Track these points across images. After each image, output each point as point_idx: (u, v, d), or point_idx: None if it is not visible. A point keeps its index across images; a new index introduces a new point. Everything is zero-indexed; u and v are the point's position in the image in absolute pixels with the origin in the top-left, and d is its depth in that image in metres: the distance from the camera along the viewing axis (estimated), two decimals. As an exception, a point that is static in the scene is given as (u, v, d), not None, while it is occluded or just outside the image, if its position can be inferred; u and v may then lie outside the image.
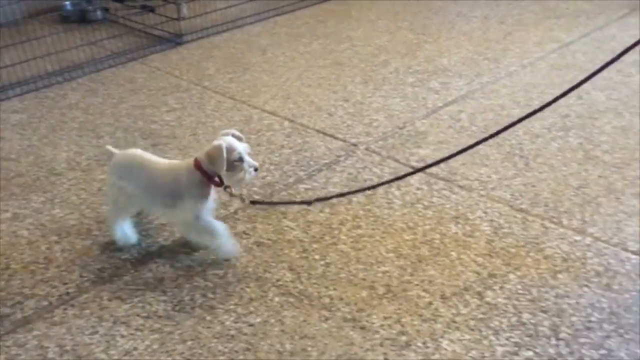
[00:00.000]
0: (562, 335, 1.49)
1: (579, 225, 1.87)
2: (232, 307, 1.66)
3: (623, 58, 2.96)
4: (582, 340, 1.47)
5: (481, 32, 3.47)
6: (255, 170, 1.74)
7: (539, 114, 2.53)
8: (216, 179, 1.75)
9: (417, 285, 1.70)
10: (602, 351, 1.44)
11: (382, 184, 2.12)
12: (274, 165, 2.33)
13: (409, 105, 2.72)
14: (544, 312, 1.57)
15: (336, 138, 2.50)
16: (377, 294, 1.67)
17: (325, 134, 2.55)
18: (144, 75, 3.19)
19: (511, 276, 1.70)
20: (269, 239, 1.92)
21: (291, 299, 1.67)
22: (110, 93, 3.00)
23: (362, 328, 1.56)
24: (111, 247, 1.91)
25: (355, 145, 2.44)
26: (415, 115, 2.63)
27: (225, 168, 1.67)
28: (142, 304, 1.69)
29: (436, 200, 2.07)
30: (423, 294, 1.66)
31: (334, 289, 1.70)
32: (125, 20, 3.90)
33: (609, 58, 3.03)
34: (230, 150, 1.68)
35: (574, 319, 1.53)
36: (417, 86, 2.90)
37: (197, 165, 1.72)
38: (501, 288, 1.66)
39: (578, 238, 1.82)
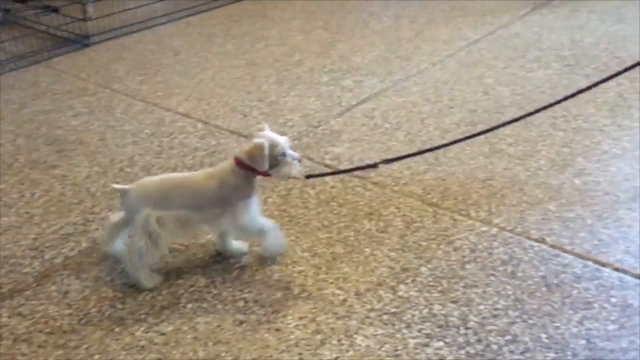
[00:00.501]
0: (470, 324, 1.53)
1: (485, 217, 1.94)
2: (142, 316, 1.60)
3: (525, 54, 3.12)
4: (489, 327, 1.52)
5: (393, 31, 3.54)
6: (299, 161, 1.69)
7: (448, 110, 2.63)
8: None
9: (332, 283, 1.70)
10: (508, 337, 1.49)
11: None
12: (187, 169, 2.27)
13: (323, 104, 2.73)
14: (454, 302, 1.61)
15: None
16: (293, 295, 1.67)
17: (239, 134, 2.51)
18: (48, 79, 3.04)
19: (423, 269, 1.74)
20: (181, 244, 1.87)
21: (205, 305, 1.64)
22: (10, 98, 2.84)
23: (277, 330, 1.55)
24: (10, 260, 1.81)
25: (270, 145, 2.42)
26: (330, 114, 2.64)
27: (267, 165, 1.62)
28: (45, 319, 1.60)
29: (350, 197, 2.08)
30: (338, 291, 1.67)
31: (249, 292, 1.68)
32: (27, 21, 3.71)
33: (513, 54, 3.16)
34: (272, 146, 1.62)
35: (481, 307, 1.58)
36: (332, 85, 2.91)
37: (240, 163, 1.65)
38: (413, 281, 1.69)
39: (485, 229, 1.88)
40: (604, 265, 1.70)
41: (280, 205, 2.05)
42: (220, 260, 1.80)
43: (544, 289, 1.63)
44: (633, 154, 2.21)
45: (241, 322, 1.57)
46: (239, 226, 1.69)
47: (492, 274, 1.70)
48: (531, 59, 3.04)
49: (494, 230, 1.88)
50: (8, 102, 2.78)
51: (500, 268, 1.72)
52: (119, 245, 1.77)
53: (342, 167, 2.24)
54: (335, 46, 3.37)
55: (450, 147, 2.32)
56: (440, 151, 2.31)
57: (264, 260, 1.80)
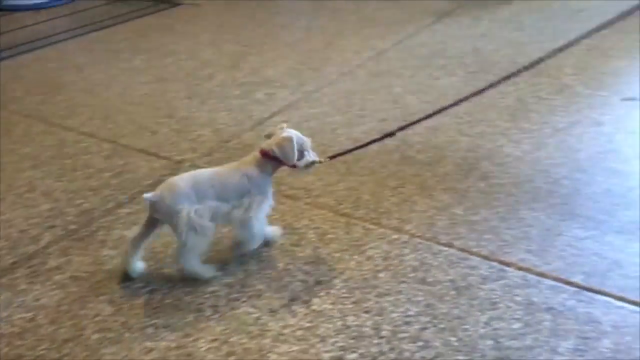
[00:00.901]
0: (383, 332, 1.54)
1: (397, 224, 1.96)
2: (42, 352, 1.51)
3: (431, 63, 3.21)
4: (402, 335, 1.53)
5: (304, 43, 3.55)
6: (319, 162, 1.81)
7: (358, 119, 2.66)
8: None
9: (245, 302, 1.67)
10: (420, 343, 1.51)
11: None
12: (91, 191, 2.18)
13: (235, 118, 2.70)
14: (367, 312, 1.61)
15: (160, 157, 2.40)
16: (204, 316, 1.62)
17: (148, 153, 2.44)
18: (-63, 102, 2.84)
19: (336, 281, 1.73)
20: (86, 272, 1.78)
21: (111, 334, 1.56)
22: None
23: (189, 355, 1.50)
24: None
25: (180, 162, 2.37)
26: (242, 128, 2.61)
27: (296, 157, 1.71)
28: None
29: (263, 212, 2.06)
30: (251, 310, 1.64)
31: (158, 317, 1.62)
32: None
33: (420, 63, 3.25)
34: (299, 141, 1.73)
35: (393, 315, 1.60)
36: (243, 98, 2.89)
37: (267, 154, 1.71)
38: (327, 294, 1.68)
39: (396, 236, 1.91)
40: (508, 265, 1.76)
41: (191, 225, 2.00)
42: (128, 286, 1.73)
43: (453, 292, 1.67)
44: (532, 155, 2.31)
45: (150, 350, 1.51)
46: (247, 219, 1.71)
47: (404, 281, 1.72)
48: (437, 67, 3.14)
49: (405, 237, 1.91)
50: None
51: (412, 275, 1.74)
52: (140, 263, 1.77)
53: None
54: (247, 59, 3.35)
55: (362, 156, 2.35)
56: (352, 161, 2.33)
57: (174, 282, 1.74)
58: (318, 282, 1.73)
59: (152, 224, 1.72)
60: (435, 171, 2.24)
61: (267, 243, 1.86)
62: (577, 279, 1.69)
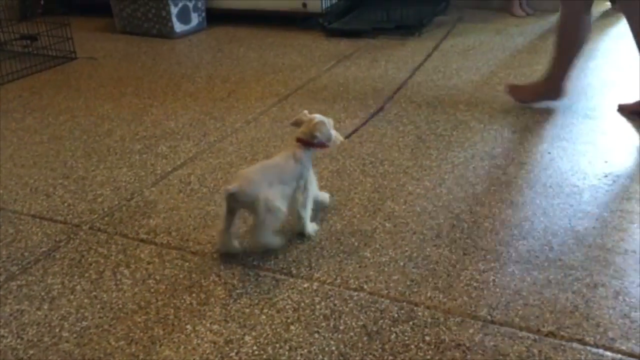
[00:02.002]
0: (297, 389, 1.50)
1: (306, 272, 1.95)
2: None
3: (333, 106, 3.26)
4: (316, 389, 1.50)
5: (206, 92, 3.53)
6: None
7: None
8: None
9: None
10: (334, 395, 1.48)
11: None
12: (-22, 265, 2.02)
13: (136, 174, 2.62)
14: (280, 368, 1.57)
15: (55, 221, 2.28)
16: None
17: (42, 218, 2.30)
18: None
19: (247, 338, 1.68)
20: (-28, 356, 1.63)
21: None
22: None
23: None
24: None
25: (77, 226, 2.25)
26: (144, 184, 2.53)
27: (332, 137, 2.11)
28: None
29: (169, 272, 1.98)
30: None
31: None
32: None
33: (322, 106, 3.30)
34: (328, 123, 2.10)
35: (307, 369, 1.57)
36: (145, 153, 2.81)
37: (304, 141, 2.07)
38: (237, 353, 1.63)
39: (306, 285, 1.89)
40: (416, 305, 1.77)
41: (90, 292, 1.89)
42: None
43: (365, 338, 1.66)
44: (434, 192, 2.38)
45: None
46: (306, 197, 2.09)
47: (316, 331, 1.70)
48: (339, 109, 3.20)
49: (315, 285, 1.89)
50: None
51: (324, 324, 1.72)
52: (236, 243, 2.05)
53: (159, 240, 2.14)
54: (148, 112, 3.28)
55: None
56: (259, 210, 2.30)
57: (74, 358, 1.62)
58: (228, 341, 1.67)
59: (231, 212, 2.01)
60: (342, 215, 2.26)
61: (323, 208, 2.26)
62: (483, 312, 1.73)
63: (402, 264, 1.96)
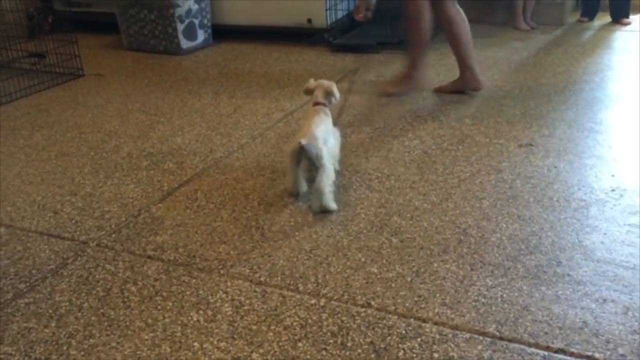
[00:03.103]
0: (305, 407, 1.50)
1: (313, 288, 1.94)
2: None
3: (338, 120, 3.27)
4: (324, 407, 1.49)
5: (213, 108, 3.55)
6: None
7: (270, 183, 2.65)
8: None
9: None
10: (342, 413, 1.47)
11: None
12: (-13, 283, 2.03)
13: (144, 191, 2.63)
14: (287, 386, 1.57)
15: (63, 238, 2.28)
16: None
17: (50, 235, 2.31)
18: None
19: (254, 355, 1.68)
20: None
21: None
22: None
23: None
24: None
25: (85, 242, 2.26)
26: (151, 200, 2.54)
27: None
28: None
29: (175, 288, 1.98)
30: None
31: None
32: None
33: (328, 121, 3.27)
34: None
35: (314, 386, 1.56)
36: (152, 169, 2.82)
37: (322, 103, 2.56)
38: (245, 371, 1.62)
39: (313, 301, 1.88)
40: (424, 321, 1.77)
41: (98, 310, 1.89)
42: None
43: (373, 355, 1.65)
44: (441, 206, 2.38)
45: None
46: (338, 145, 2.62)
47: (324, 349, 1.69)
48: (344, 124, 3.21)
49: (322, 301, 1.88)
50: None
51: (331, 341, 1.72)
52: (304, 185, 2.47)
53: (166, 257, 2.14)
54: (155, 128, 3.30)
55: (276, 220, 2.33)
56: (266, 226, 2.31)
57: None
58: (235, 359, 1.67)
59: (296, 165, 2.40)
60: (348, 230, 2.26)
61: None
62: (491, 328, 1.72)
63: (409, 279, 1.96)
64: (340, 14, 4.74)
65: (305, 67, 4.25)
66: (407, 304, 1.84)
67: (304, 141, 2.32)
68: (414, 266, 2.02)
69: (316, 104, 2.55)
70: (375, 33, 4.73)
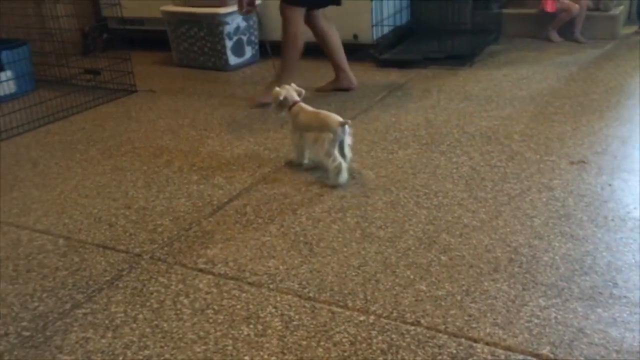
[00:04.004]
0: None
1: (362, 305, 1.95)
2: None
3: (386, 136, 3.28)
4: None
5: (260, 123, 3.61)
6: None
7: (318, 198, 2.67)
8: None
9: None
10: None
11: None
12: (47, 292, 2.11)
13: (194, 205, 2.68)
14: (338, 403, 1.57)
15: (118, 250, 2.36)
16: None
17: (105, 247, 2.39)
18: None
19: (304, 371, 1.69)
20: None
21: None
22: None
23: None
24: None
25: (139, 255, 2.32)
26: (201, 214, 2.60)
27: None
28: None
29: (226, 302, 2.02)
30: None
31: None
32: None
33: (375, 137, 3.31)
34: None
35: (365, 404, 1.56)
36: (202, 183, 2.88)
37: (299, 101, 2.94)
38: (295, 386, 1.64)
39: (362, 318, 1.88)
40: (476, 341, 1.75)
41: (152, 321, 1.94)
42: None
43: (424, 374, 1.64)
44: (490, 224, 2.35)
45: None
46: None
47: (373, 366, 1.69)
48: (391, 140, 3.21)
49: (372, 318, 1.89)
50: None
51: (381, 358, 1.72)
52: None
53: (217, 270, 2.18)
54: (204, 143, 3.37)
55: (324, 235, 2.35)
56: (314, 241, 2.33)
57: None
58: (286, 374, 1.68)
59: (337, 144, 2.74)
60: (396, 247, 2.25)
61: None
62: (545, 350, 1.69)
63: (459, 298, 1.94)
64: (386, 30, 4.76)
65: (351, 82, 4.27)
66: (457, 323, 1.82)
67: (346, 121, 2.72)
68: (463, 284, 2.00)
69: (295, 103, 2.88)
70: (422, 48, 4.73)
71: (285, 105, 2.90)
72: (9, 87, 4.26)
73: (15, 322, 1.97)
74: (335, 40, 3.86)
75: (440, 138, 3.20)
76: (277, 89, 2.89)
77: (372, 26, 4.60)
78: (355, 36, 4.68)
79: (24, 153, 3.35)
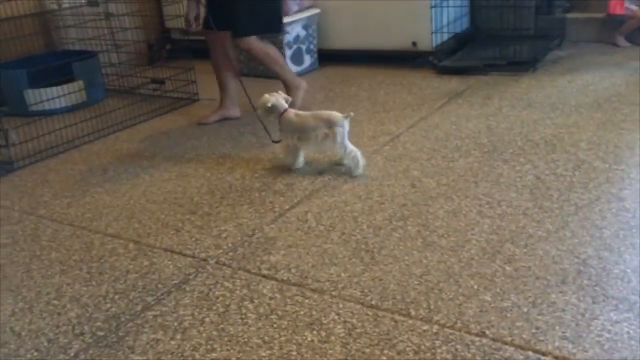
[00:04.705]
0: None
1: (425, 314, 1.94)
2: None
3: (446, 144, 3.25)
4: None
5: (320, 131, 3.64)
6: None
7: (379, 206, 2.68)
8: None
9: None
10: None
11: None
12: (119, 294, 2.20)
13: (256, 211, 2.74)
14: (402, 412, 1.57)
15: (184, 255, 2.43)
16: None
17: (173, 251, 2.47)
18: (-32, 210, 2.93)
19: (368, 379, 1.70)
20: None
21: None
22: None
23: None
24: None
25: (205, 260, 2.39)
26: (264, 221, 2.65)
27: None
28: None
29: (290, 308, 2.05)
30: None
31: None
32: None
33: (435, 145, 3.30)
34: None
35: (430, 414, 1.55)
36: (264, 190, 2.94)
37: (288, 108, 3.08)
38: (360, 394, 1.65)
39: (426, 328, 1.88)
40: (544, 354, 1.71)
41: (218, 325, 1.99)
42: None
43: (490, 386, 1.62)
44: (557, 235, 2.30)
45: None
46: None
47: (438, 376, 1.68)
48: (452, 148, 3.18)
49: (435, 328, 1.88)
50: None
51: (445, 368, 1.71)
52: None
53: (280, 276, 2.22)
54: (264, 150, 3.43)
55: (385, 244, 2.35)
56: (375, 249, 2.34)
57: None
58: (350, 381, 1.70)
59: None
60: (459, 256, 2.23)
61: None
62: (617, 366, 1.64)
63: (525, 309, 1.90)
64: (445, 37, 4.72)
65: (410, 90, 4.26)
66: (524, 335, 1.79)
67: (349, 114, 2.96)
68: (530, 296, 1.97)
69: (285, 110, 3.02)
70: (482, 55, 4.67)
71: (273, 111, 3.03)
72: (81, 97, 4.46)
73: (90, 322, 2.06)
74: (277, 57, 3.98)
75: (502, 146, 3.15)
76: (267, 95, 3.01)
77: (432, 33, 4.58)
78: (414, 43, 4.67)
79: (94, 160, 3.50)
